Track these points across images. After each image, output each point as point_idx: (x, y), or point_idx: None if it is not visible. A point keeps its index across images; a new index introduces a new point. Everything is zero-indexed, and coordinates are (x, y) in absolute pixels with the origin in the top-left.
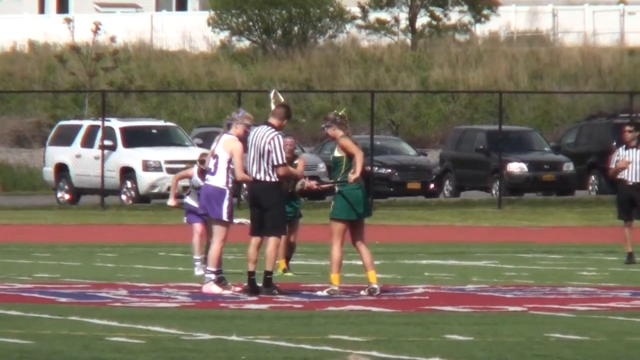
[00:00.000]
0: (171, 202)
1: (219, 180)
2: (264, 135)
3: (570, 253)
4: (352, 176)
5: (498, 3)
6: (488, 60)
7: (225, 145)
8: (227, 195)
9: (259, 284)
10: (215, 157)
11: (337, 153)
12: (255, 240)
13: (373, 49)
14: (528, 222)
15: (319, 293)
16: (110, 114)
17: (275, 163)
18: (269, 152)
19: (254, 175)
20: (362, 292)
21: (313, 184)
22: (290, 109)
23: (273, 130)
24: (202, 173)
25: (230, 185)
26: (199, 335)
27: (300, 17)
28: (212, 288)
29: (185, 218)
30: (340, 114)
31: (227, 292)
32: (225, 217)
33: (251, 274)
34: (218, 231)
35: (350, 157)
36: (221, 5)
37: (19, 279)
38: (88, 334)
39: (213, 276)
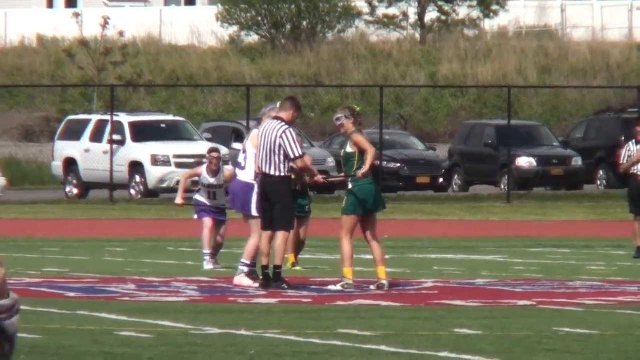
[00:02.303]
0: (179, 200)
1: (247, 175)
2: (274, 130)
3: (578, 247)
4: (361, 171)
5: None
6: (497, 55)
7: (252, 140)
8: (256, 190)
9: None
10: (245, 152)
11: (349, 149)
12: (266, 234)
13: (382, 43)
14: (537, 217)
15: (332, 287)
16: (119, 109)
17: (292, 156)
18: (280, 146)
19: (263, 169)
20: (372, 287)
21: (320, 177)
22: (298, 101)
23: (283, 124)
24: (211, 170)
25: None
26: (207, 330)
27: (309, 11)
28: (243, 280)
29: (195, 215)
30: (357, 109)
31: (255, 286)
32: (254, 212)
33: (265, 267)
34: (253, 226)
35: (362, 153)
36: (230, 0)
37: (27, 274)
38: (97, 329)
39: (246, 269)
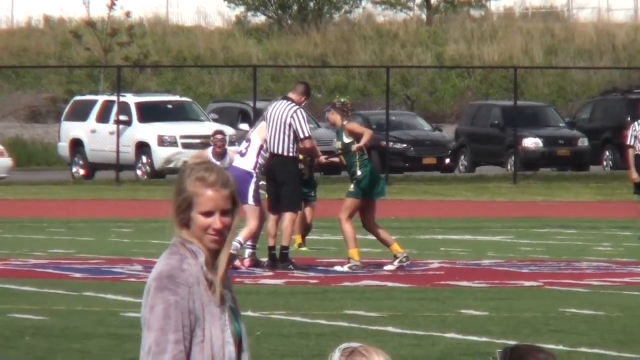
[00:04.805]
0: None
1: (247, 163)
2: (285, 109)
3: (585, 228)
4: (355, 146)
5: None
6: (503, 36)
7: (261, 132)
8: (254, 179)
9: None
10: (249, 141)
11: (346, 139)
12: (273, 215)
13: (389, 24)
14: (543, 198)
15: (338, 268)
16: (126, 90)
17: (302, 136)
18: (290, 126)
19: (272, 150)
20: (396, 263)
21: (322, 158)
22: (309, 86)
23: (294, 104)
24: (217, 154)
25: (257, 170)
26: None
27: None
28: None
29: None
30: (342, 100)
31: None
32: (251, 201)
33: (271, 249)
34: (250, 215)
35: (359, 140)
36: None
37: (33, 255)
38: (103, 310)
39: (239, 246)
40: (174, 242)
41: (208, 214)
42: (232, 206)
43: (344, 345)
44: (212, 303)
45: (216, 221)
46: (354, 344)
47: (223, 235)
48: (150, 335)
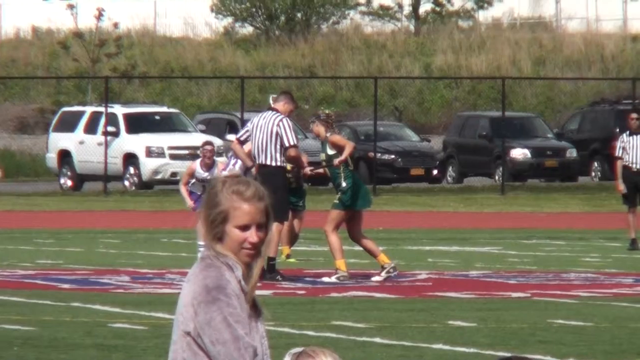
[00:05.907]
0: (190, 204)
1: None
2: (271, 119)
3: (573, 239)
4: (337, 159)
5: None
6: (491, 46)
7: (247, 146)
8: None
9: None
10: (236, 157)
11: (330, 151)
12: None
13: (376, 35)
14: (531, 208)
15: (326, 279)
16: (113, 100)
17: (287, 145)
18: (277, 134)
19: (259, 160)
20: (383, 273)
21: (308, 169)
22: (291, 94)
23: (279, 114)
24: (205, 164)
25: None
26: None
27: (303, 3)
28: None
29: (190, 203)
30: (326, 112)
31: None
32: None
33: None
34: None
35: (342, 152)
36: None
37: (21, 265)
38: (90, 320)
39: None
40: (205, 255)
41: (244, 228)
42: (266, 219)
43: (293, 350)
44: (250, 315)
45: (252, 235)
46: (303, 347)
47: (258, 249)
48: (225, 347)
